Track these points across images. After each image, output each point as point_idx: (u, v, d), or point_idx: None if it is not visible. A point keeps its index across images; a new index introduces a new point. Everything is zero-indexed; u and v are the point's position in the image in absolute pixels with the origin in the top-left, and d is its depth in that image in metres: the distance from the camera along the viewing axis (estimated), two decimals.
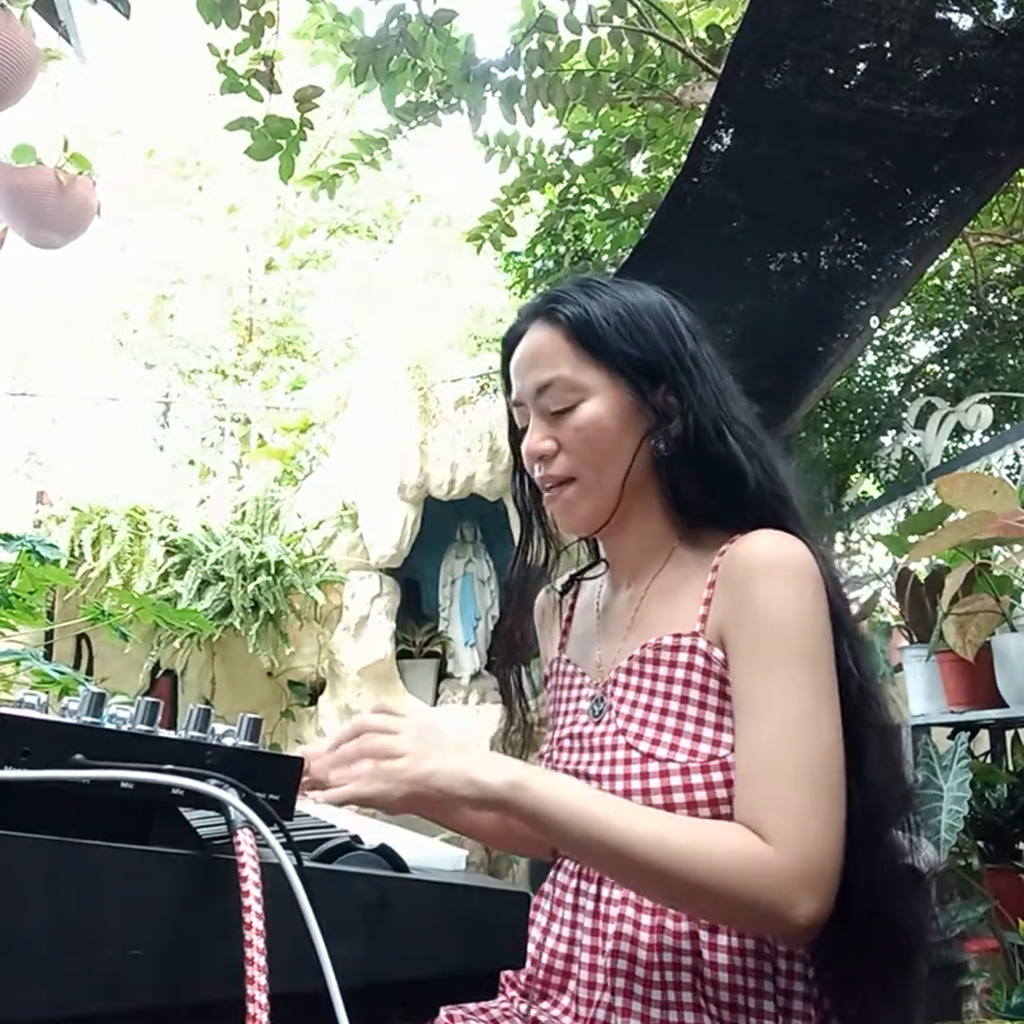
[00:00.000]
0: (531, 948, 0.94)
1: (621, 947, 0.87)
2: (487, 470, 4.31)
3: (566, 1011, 0.90)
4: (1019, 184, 3.83)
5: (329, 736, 0.95)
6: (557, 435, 0.97)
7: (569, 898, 0.94)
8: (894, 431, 4.11)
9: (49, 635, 3.54)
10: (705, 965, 0.85)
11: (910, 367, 4.46)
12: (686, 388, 0.95)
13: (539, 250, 3.86)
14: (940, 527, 2.30)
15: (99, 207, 1.95)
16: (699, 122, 2.44)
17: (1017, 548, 2.37)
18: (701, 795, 0.85)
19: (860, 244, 2.65)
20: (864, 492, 4.57)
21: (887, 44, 2.03)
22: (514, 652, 1.13)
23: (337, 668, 4.38)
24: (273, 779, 0.51)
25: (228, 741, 0.52)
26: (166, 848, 0.47)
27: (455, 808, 0.79)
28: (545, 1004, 0.92)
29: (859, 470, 4.31)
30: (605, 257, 3.63)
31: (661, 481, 0.97)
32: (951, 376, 4.28)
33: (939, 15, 1.98)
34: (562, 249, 3.79)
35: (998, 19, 1.97)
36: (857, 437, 4.19)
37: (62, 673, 1.55)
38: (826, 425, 4.21)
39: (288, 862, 0.47)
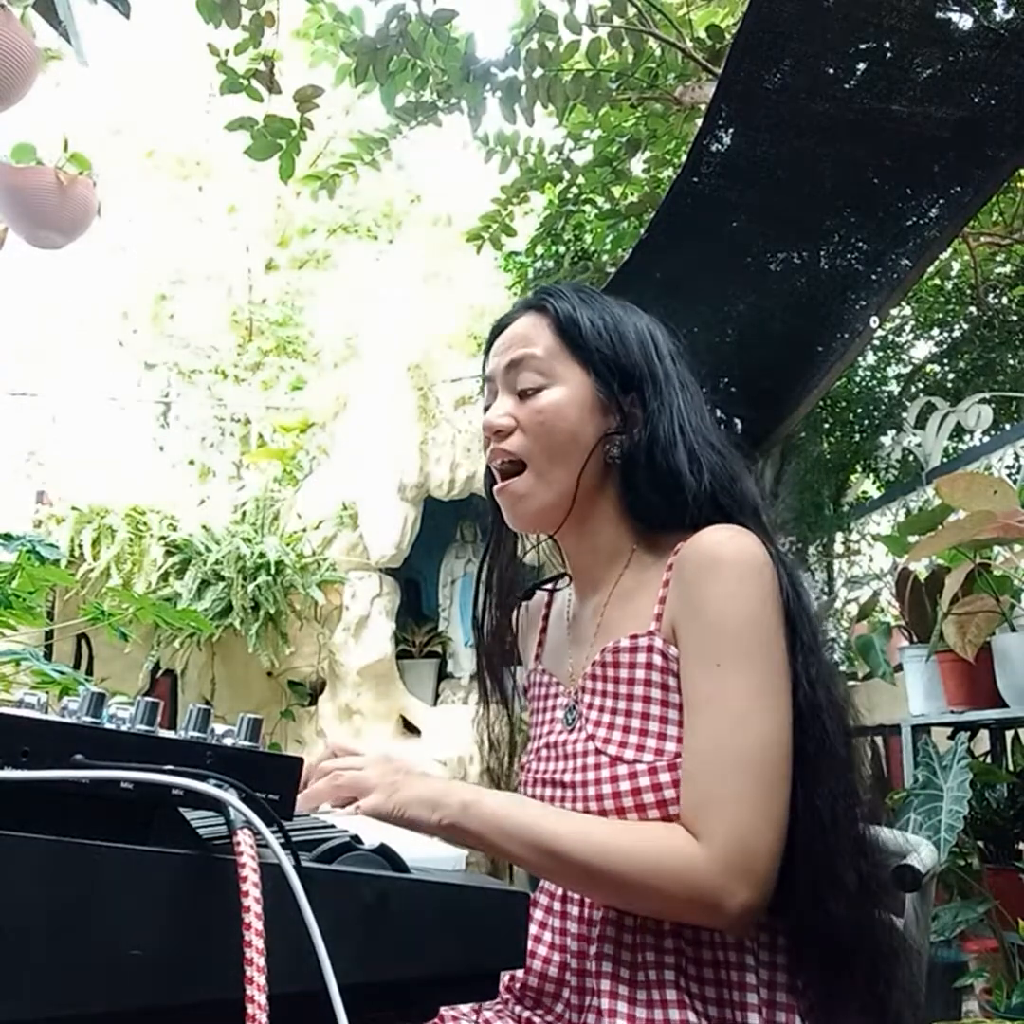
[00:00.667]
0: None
1: (605, 950, 0.88)
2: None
3: (559, 1018, 0.91)
4: (1019, 184, 3.83)
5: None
6: (517, 414, 0.99)
7: (557, 906, 0.95)
8: (894, 431, 4.11)
9: (49, 635, 3.54)
10: (689, 962, 0.86)
11: (910, 367, 4.46)
12: (652, 400, 0.98)
13: (539, 250, 3.86)
14: (940, 527, 2.30)
15: (99, 207, 1.95)
16: (699, 122, 2.44)
17: (1017, 548, 2.37)
18: (670, 793, 0.87)
19: (860, 244, 2.65)
20: (864, 492, 4.57)
21: (887, 44, 2.03)
22: (497, 654, 1.13)
23: (337, 668, 4.38)
24: (273, 779, 0.51)
25: (228, 741, 0.52)
26: (166, 848, 0.47)
27: (429, 833, 0.81)
28: (539, 1010, 0.93)
29: (859, 470, 4.31)
30: (605, 257, 3.63)
31: (615, 486, 0.99)
32: (951, 376, 4.28)
33: (939, 15, 1.98)
34: (562, 249, 3.79)
35: (998, 19, 1.97)
36: (857, 437, 4.18)
37: (62, 673, 1.55)
38: (826, 425, 4.21)
39: (288, 862, 0.47)
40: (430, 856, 0.61)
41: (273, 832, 0.47)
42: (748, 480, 0.99)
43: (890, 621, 3.03)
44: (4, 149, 1.87)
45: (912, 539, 2.59)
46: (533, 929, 0.97)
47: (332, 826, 0.69)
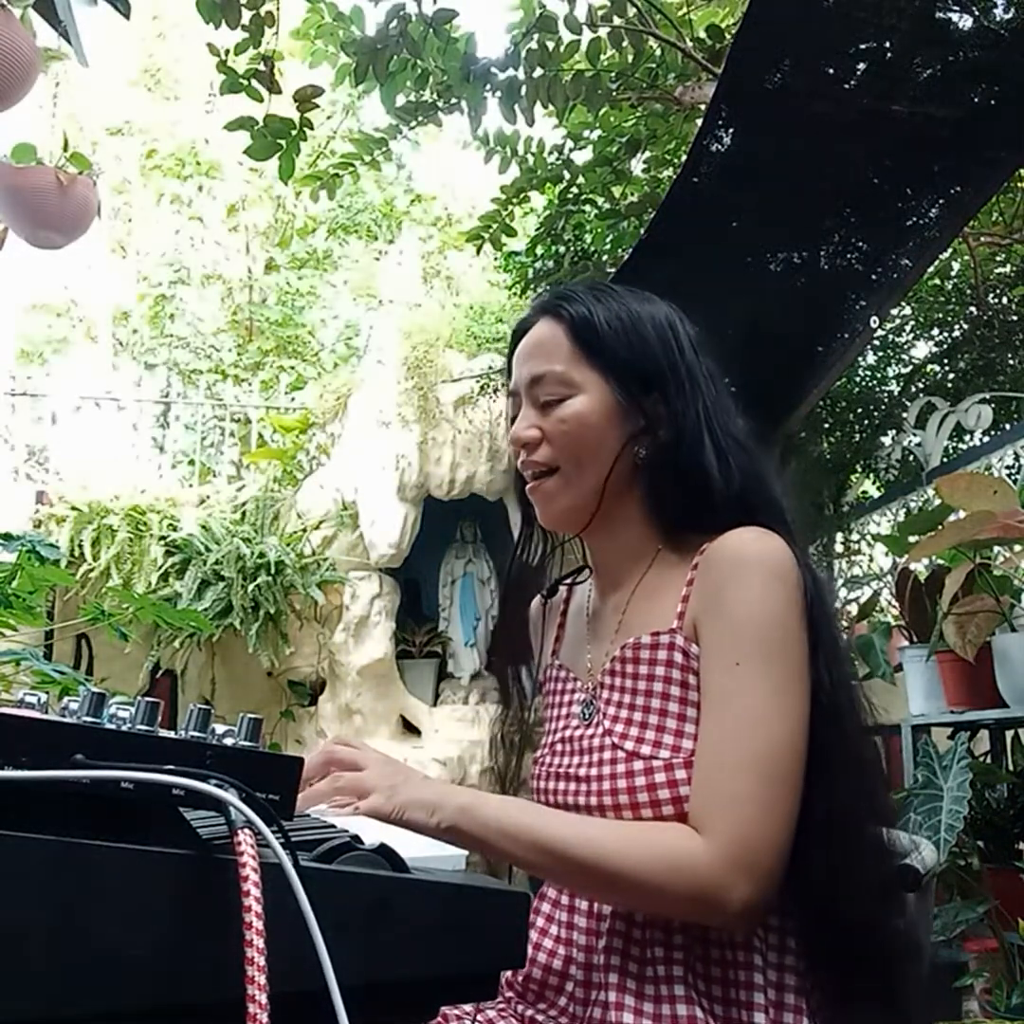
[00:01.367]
0: (528, 949, 0.95)
1: (614, 944, 0.89)
2: (487, 470, 4.31)
3: (563, 1012, 0.91)
4: (1019, 184, 3.82)
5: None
6: (542, 425, 0.99)
7: (565, 899, 0.96)
8: (894, 431, 4.11)
9: (49, 635, 3.54)
10: (697, 959, 0.86)
11: (910, 367, 4.46)
12: (675, 399, 0.97)
13: (539, 250, 3.85)
14: (940, 527, 2.30)
15: (99, 207, 1.95)
16: (699, 122, 2.44)
17: (1017, 548, 2.37)
18: (686, 790, 0.87)
19: (860, 244, 2.65)
20: (864, 492, 4.56)
21: (887, 44, 2.03)
22: (511, 648, 1.14)
23: (337, 668, 4.38)
24: (273, 779, 0.51)
25: (228, 741, 0.52)
26: (166, 848, 0.47)
27: (428, 835, 0.81)
28: (542, 1005, 0.93)
29: (859, 470, 4.30)
30: (605, 257, 3.63)
31: (641, 487, 0.99)
32: (951, 376, 4.27)
33: (939, 15, 1.98)
34: (562, 249, 3.78)
35: (998, 19, 1.97)
36: (857, 437, 4.18)
37: (62, 673, 1.55)
38: (826, 425, 4.20)
39: (288, 862, 0.47)
40: (430, 856, 0.61)
41: (273, 832, 0.47)
42: (773, 479, 1.00)
43: (890, 621, 3.03)
44: (4, 149, 1.87)
45: (912, 539, 2.59)
46: (539, 922, 0.97)
47: (332, 826, 0.69)
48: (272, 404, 5.74)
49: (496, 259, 4.14)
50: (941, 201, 2.45)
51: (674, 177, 2.68)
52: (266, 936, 0.44)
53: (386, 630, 4.38)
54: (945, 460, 3.43)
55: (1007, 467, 3.42)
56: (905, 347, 4.47)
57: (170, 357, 6.79)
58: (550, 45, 3.10)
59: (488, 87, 3.13)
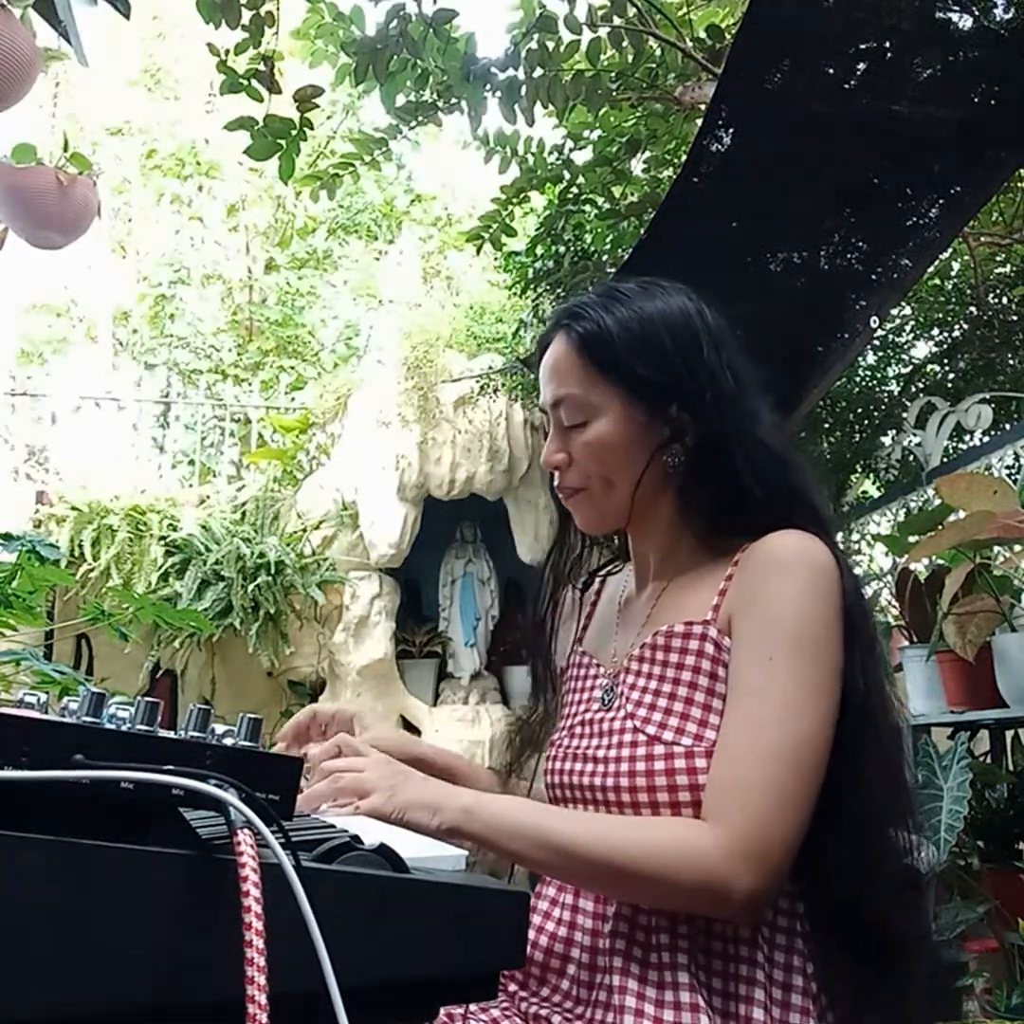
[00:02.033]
0: (530, 933, 0.95)
1: (620, 927, 0.89)
2: (487, 470, 4.31)
3: (567, 995, 0.91)
4: (1019, 184, 3.82)
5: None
6: (569, 449, 1.01)
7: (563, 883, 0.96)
8: (894, 431, 4.10)
9: (49, 635, 3.54)
10: (700, 951, 0.86)
11: (910, 367, 4.46)
12: (698, 404, 0.96)
13: (539, 250, 3.85)
14: (940, 527, 2.30)
15: (99, 207, 1.95)
16: (699, 122, 2.44)
17: (1017, 548, 2.37)
18: (704, 779, 0.87)
19: (860, 244, 2.65)
20: (864, 492, 4.56)
21: (887, 44, 2.03)
22: (542, 640, 1.14)
23: (337, 668, 4.38)
24: (273, 779, 0.51)
25: (228, 741, 0.52)
26: (166, 848, 0.47)
27: (430, 836, 0.82)
28: (544, 990, 0.93)
29: (859, 470, 4.30)
30: (605, 257, 3.63)
31: (673, 492, 0.99)
32: (951, 376, 4.27)
33: (939, 15, 1.98)
34: (562, 249, 3.78)
35: (998, 19, 1.97)
36: (857, 437, 4.18)
37: (62, 673, 1.55)
38: (826, 425, 4.20)
39: (288, 862, 0.47)
40: (430, 856, 0.61)
41: (273, 832, 0.47)
42: (804, 474, 0.99)
43: (890, 621, 3.03)
44: (4, 149, 1.87)
45: (912, 539, 2.59)
46: (543, 905, 0.97)
47: (332, 826, 0.69)
48: (272, 404, 5.74)
49: (496, 259, 4.14)
50: (941, 201, 2.45)
51: (674, 177, 2.68)
52: (266, 936, 0.44)
53: (386, 630, 4.38)
54: (945, 460, 3.42)
55: (1007, 467, 3.41)
56: (905, 347, 4.47)
57: (170, 357, 6.78)
58: (550, 45, 3.10)
59: (488, 87, 3.12)
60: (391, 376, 4.51)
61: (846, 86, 2.12)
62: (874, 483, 4.42)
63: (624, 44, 3.19)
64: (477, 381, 4.37)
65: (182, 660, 4.26)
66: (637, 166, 3.64)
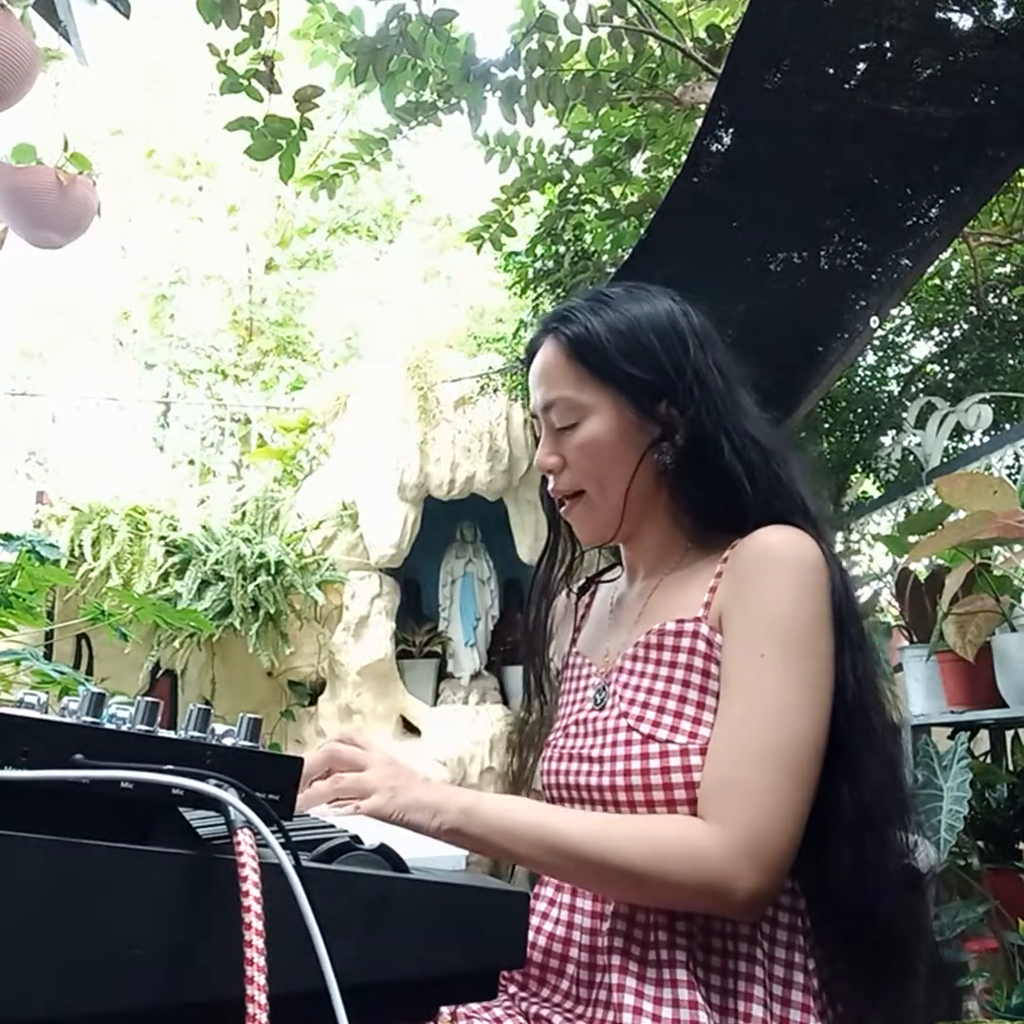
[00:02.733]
0: (530, 934, 0.95)
1: (617, 925, 0.89)
2: (487, 470, 4.31)
3: (567, 995, 0.91)
4: (1019, 184, 3.82)
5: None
6: (562, 451, 1.02)
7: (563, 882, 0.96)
8: (894, 431, 4.11)
9: (49, 635, 3.54)
10: (699, 948, 0.87)
11: (910, 367, 4.46)
12: (687, 401, 0.97)
13: (539, 250, 3.85)
14: (940, 527, 2.30)
15: (99, 207, 1.95)
16: (699, 122, 2.44)
17: (1017, 548, 2.37)
18: (699, 776, 0.87)
19: (860, 244, 2.65)
20: (864, 492, 4.56)
21: (887, 44, 2.03)
22: (536, 646, 1.15)
23: (337, 668, 4.38)
24: (273, 779, 0.51)
25: (228, 741, 0.52)
26: (166, 848, 0.47)
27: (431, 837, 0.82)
28: (544, 991, 0.93)
29: (859, 470, 4.30)
30: (605, 257, 3.63)
31: (667, 490, 1.00)
32: (951, 376, 4.27)
33: (939, 15, 1.98)
34: (562, 249, 3.78)
35: (998, 19, 1.97)
36: (857, 437, 4.18)
37: (62, 673, 1.55)
38: (826, 425, 4.20)
39: (288, 862, 0.47)
40: (430, 856, 0.61)
41: (273, 832, 0.47)
42: (795, 468, 1.00)
43: (890, 621, 3.03)
44: (4, 149, 1.87)
45: (912, 539, 2.59)
46: (541, 906, 0.98)
47: (332, 826, 0.69)
48: (272, 404, 5.74)
49: (496, 259, 4.14)
50: (941, 201, 2.45)
51: (674, 177, 2.68)
52: (266, 936, 0.44)
53: (386, 630, 4.38)
54: (945, 460, 3.42)
55: (1007, 467, 3.41)
56: (905, 347, 4.47)
57: (170, 357, 6.78)
58: (550, 45, 3.10)
59: (488, 87, 3.12)
60: (391, 376, 4.51)
61: (846, 86, 2.12)
62: (874, 483, 4.42)
63: (624, 44, 3.19)
64: (477, 381, 4.37)
65: (182, 660, 4.27)
66: (637, 166, 3.65)
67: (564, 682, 1.11)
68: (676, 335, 1.00)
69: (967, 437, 3.69)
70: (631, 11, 3.11)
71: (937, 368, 4.41)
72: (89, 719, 0.49)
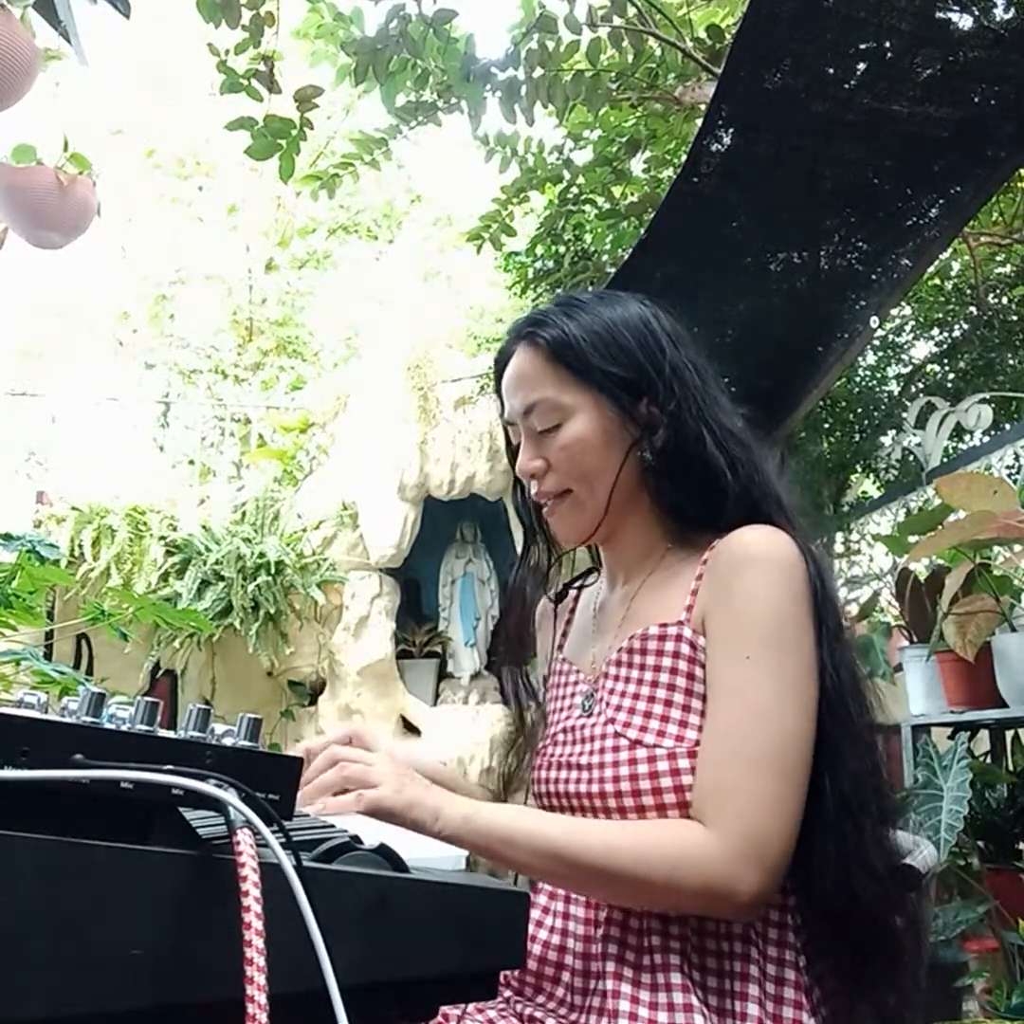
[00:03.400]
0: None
1: (611, 932, 0.89)
2: (487, 470, 4.31)
3: (562, 1002, 0.91)
4: (1019, 184, 3.83)
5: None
6: (545, 454, 1.02)
7: (562, 890, 0.96)
8: (894, 431, 4.11)
9: (49, 635, 3.54)
10: (694, 950, 0.87)
11: (910, 367, 4.46)
12: (667, 398, 0.98)
13: (539, 250, 3.86)
14: (940, 527, 2.30)
15: (99, 207, 1.95)
16: (699, 122, 2.44)
17: (1017, 548, 2.37)
18: (688, 779, 0.87)
19: (860, 244, 2.65)
20: (864, 492, 4.56)
21: (887, 44, 2.03)
22: (516, 653, 1.16)
23: (337, 668, 4.38)
24: (273, 779, 0.51)
25: (228, 741, 0.52)
26: (166, 848, 0.47)
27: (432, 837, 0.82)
28: (540, 997, 0.93)
29: (859, 470, 4.30)
30: (605, 257, 3.63)
31: (649, 489, 1.00)
32: (951, 376, 4.27)
33: (939, 15, 1.98)
34: (562, 249, 3.79)
35: (998, 19, 1.97)
36: (857, 437, 4.18)
37: (62, 673, 1.55)
38: (826, 425, 4.20)
39: (287, 862, 0.47)
40: (430, 856, 0.61)
41: (273, 832, 0.47)
42: (770, 466, 1.01)
43: (890, 621, 3.03)
44: (4, 149, 1.87)
45: (912, 539, 2.60)
46: (535, 914, 0.98)
47: (332, 826, 0.69)
48: (272, 404, 5.74)
49: (496, 259, 4.14)
50: (941, 201, 2.45)
51: (674, 177, 2.68)
52: (266, 936, 0.43)
53: (386, 630, 4.38)
54: (945, 460, 3.43)
55: (1007, 467, 3.41)
56: (905, 347, 4.47)
57: (170, 357, 6.78)
58: (550, 45, 3.10)
59: (488, 87, 3.13)
60: (391, 376, 4.51)
61: (846, 86, 2.13)
62: (874, 483, 4.42)
63: (624, 44, 3.19)
64: (477, 381, 4.37)
65: (182, 660, 4.27)
66: (637, 166, 3.65)
67: (551, 689, 1.11)
68: (651, 335, 1.01)
69: (967, 437, 3.69)
70: (631, 11, 3.11)
71: (937, 368, 4.41)
72: (89, 719, 0.49)
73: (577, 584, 1.17)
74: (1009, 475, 3.33)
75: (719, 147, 2.32)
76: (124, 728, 0.50)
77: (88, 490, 4.29)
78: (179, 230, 7.01)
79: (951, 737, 2.44)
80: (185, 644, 4.13)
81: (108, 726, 0.49)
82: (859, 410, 4.20)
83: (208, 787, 0.47)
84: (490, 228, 3.64)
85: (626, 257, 3.03)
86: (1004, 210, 4.01)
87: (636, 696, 0.94)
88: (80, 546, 4.05)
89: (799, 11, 2.00)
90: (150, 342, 6.94)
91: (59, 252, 1.96)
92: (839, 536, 4.30)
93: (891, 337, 4.35)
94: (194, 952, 0.46)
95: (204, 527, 4.19)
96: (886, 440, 4.15)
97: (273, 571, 4.09)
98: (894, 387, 4.36)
